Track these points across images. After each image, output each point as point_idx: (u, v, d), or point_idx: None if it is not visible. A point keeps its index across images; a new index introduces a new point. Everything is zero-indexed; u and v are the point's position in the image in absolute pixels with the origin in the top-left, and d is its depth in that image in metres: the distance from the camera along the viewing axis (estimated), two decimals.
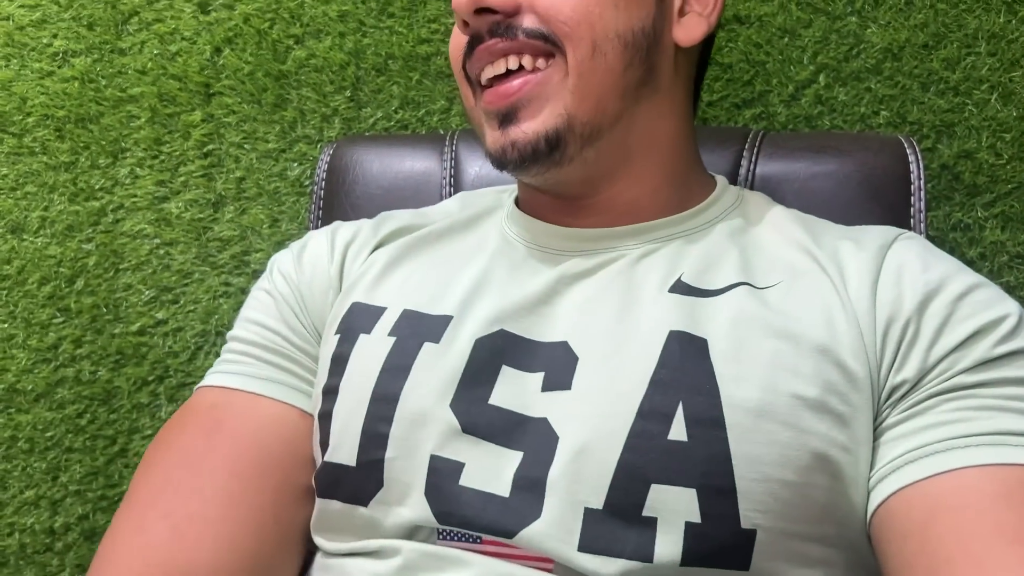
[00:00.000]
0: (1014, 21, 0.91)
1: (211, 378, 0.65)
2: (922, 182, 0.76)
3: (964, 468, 0.49)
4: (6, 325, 1.02)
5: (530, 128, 0.58)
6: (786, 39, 0.95)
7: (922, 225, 0.76)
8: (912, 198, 0.76)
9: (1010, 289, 0.91)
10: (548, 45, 0.58)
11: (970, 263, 0.92)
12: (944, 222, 0.92)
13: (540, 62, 0.59)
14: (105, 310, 1.02)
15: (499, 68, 0.59)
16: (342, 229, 0.70)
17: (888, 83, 0.93)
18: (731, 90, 0.96)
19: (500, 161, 0.60)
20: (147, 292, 1.02)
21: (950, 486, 0.49)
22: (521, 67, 0.59)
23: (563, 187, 0.63)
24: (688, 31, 0.62)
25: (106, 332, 1.02)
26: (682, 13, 0.63)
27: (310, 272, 0.67)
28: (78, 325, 1.02)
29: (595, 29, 0.58)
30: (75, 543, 1.02)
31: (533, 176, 0.61)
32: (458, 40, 0.63)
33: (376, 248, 0.68)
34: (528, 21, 0.58)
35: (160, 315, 1.02)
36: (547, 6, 0.58)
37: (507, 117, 0.59)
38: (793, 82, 0.95)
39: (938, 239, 0.92)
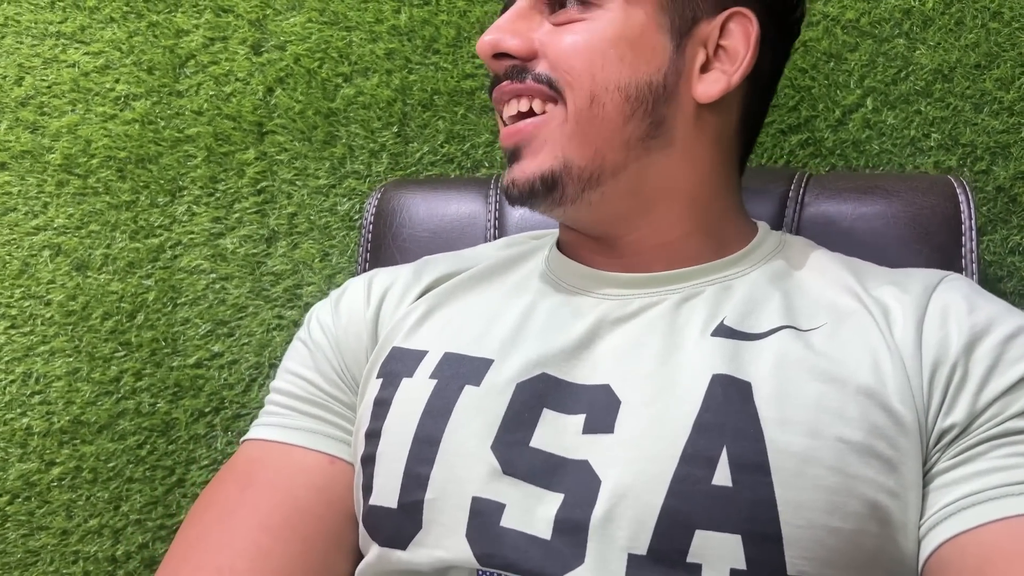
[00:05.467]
0: None
1: (252, 431, 0.66)
2: (973, 222, 0.75)
3: (1019, 516, 0.48)
4: (71, 359, 1.06)
5: (528, 168, 0.61)
6: (832, 63, 0.94)
7: (974, 266, 0.74)
8: (963, 238, 0.75)
9: None
10: (552, 91, 0.60)
11: None
12: (1001, 246, 0.90)
13: (548, 106, 0.61)
14: (164, 344, 1.05)
15: (512, 109, 0.62)
16: (379, 275, 0.72)
17: (939, 105, 0.91)
18: (777, 116, 0.95)
19: (509, 196, 0.63)
20: (203, 326, 1.05)
21: (1006, 534, 0.48)
22: (532, 110, 0.62)
23: (583, 225, 0.65)
24: (706, 87, 0.62)
25: (165, 365, 1.05)
26: (705, 69, 0.62)
27: (346, 318, 0.68)
28: (138, 359, 1.05)
29: (595, 80, 0.59)
30: (135, 571, 1.04)
31: (543, 211, 0.64)
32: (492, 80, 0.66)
33: (421, 295, 0.68)
34: (541, 67, 0.61)
35: (216, 348, 1.05)
36: (556, 54, 0.60)
37: (513, 155, 0.63)
38: (840, 107, 0.94)
39: (995, 264, 0.90)
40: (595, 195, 0.61)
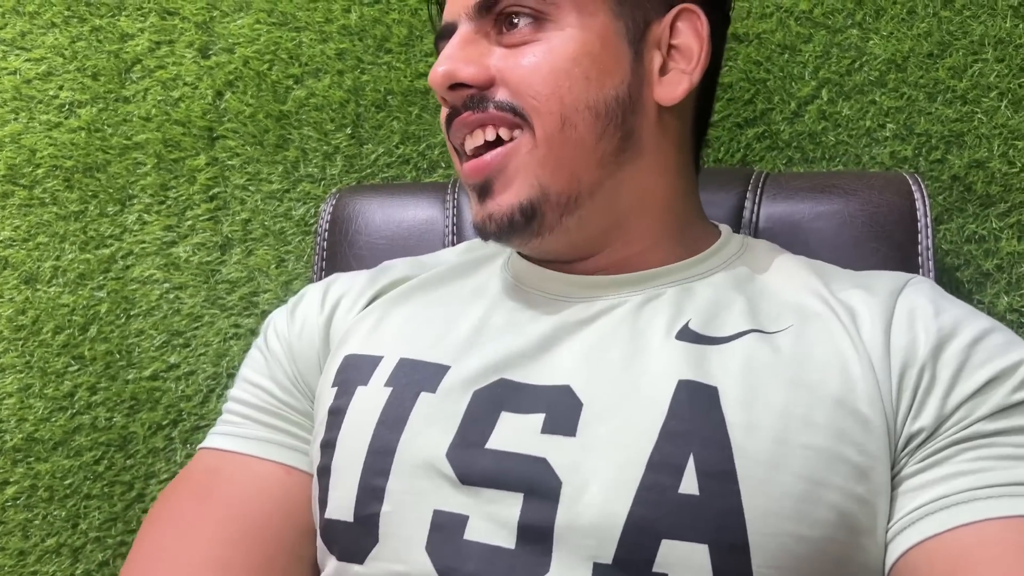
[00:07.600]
0: (1021, 25, 0.89)
1: (209, 440, 0.65)
2: (929, 219, 0.75)
3: (986, 520, 0.48)
4: (23, 375, 1.03)
5: (504, 200, 0.59)
6: (786, 55, 0.94)
7: (930, 263, 0.75)
8: (919, 235, 0.75)
9: None
10: (516, 118, 0.58)
11: (987, 275, 0.89)
12: (957, 235, 0.90)
13: (515, 132, 0.59)
14: (118, 356, 1.03)
15: (477, 139, 0.60)
16: (337, 282, 0.70)
17: (893, 95, 0.91)
18: (732, 109, 0.95)
19: (482, 233, 0.60)
20: (159, 337, 1.03)
21: (973, 539, 0.48)
22: (499, 138, 0.59)
23: (555, 255, 0.63)
24: (669, 90, 0.61)
25: (120, 378, 1.03)
26: (664, 72, 0.61)
27: (300, 324, 0.67)
28: (93, 372, 1.03)
29: (564, 103, 0.57)
30: None
31: (517, 246, 0.61)
32: (444, 112, 0.63)
33: (372, 300, 0.67)
34: (500, 94, 0.59)
35: (172, 359, 1.02)
36: (518, 80, 0.58)
37: (483, 190, 0.60)
38: (795, 99, 0.93)
39: (952, 252, 0.90)
40: (573, 220, 0.59)
